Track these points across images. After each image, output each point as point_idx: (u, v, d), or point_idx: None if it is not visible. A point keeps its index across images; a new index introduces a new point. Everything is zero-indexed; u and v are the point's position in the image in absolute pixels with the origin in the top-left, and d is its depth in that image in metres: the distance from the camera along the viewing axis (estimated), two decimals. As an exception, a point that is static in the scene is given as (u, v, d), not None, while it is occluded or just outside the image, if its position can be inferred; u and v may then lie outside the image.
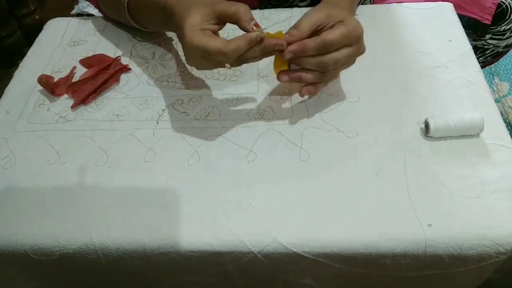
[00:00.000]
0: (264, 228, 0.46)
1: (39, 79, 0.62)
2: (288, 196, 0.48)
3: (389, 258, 0.45)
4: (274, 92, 0.59)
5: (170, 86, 0.62)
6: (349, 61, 0.53)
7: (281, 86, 0.60)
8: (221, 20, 0.50)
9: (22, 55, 0.71)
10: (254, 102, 0.59)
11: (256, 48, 0.48)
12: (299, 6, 0.75)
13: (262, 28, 0.49)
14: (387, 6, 0.71)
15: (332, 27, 0.50)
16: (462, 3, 0.75)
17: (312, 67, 0.51)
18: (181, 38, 0.49)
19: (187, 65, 0.65)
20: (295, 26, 0.51)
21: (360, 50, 0.52)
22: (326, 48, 0.49)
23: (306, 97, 0.57)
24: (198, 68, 0.55)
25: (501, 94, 1.15)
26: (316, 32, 0.51)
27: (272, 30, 0.68)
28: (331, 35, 0.48)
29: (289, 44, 0.49)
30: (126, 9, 0.63)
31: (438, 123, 0.50)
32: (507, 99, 1.13)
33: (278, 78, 0.53)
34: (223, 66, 0.52)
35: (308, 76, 0.52)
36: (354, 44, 0.50)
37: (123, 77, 0.64)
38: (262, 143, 0.54)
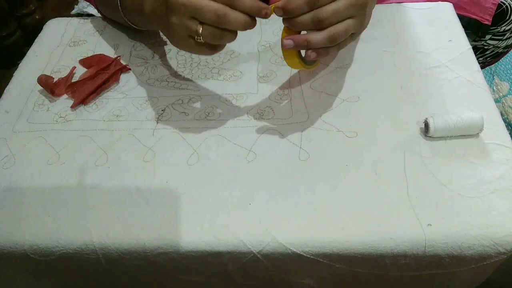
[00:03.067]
0: (264, 228, 0.46)
1: (39, 79, 0.62)
2: (287, 196, 0.48)
3: (388, 258, 0.45)
4: (273, 92, 0.59)
5: (170, 86, 0.62)
6: (354, 17, 0.47)
7: (281, 86, 0.60)
8: None
9: (22, 55, 0.71)
10: (253, 102, 0.59)
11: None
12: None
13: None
14: (387, 6, 0.71)
15: None
16: (462, 3, 0.75)
17: (310, 26, 0.45)
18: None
19: (186, 65, 0.65)
20: None
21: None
22: (316, 2, 0.44)
23: (306, 96, 0.57)
24: (180, 44, 0.49)
25: (501, 94, 1.15)
26: None
27: (272, 30, 0.69)
28: None
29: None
30: (119, 8, 0.63)
31: (437, 123, 0.50)
32: (507, 99, 1.13)
33: (283, 45, 0.48)
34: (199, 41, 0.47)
35: (315, 38, 0.46)
36: None
37: (123, 77, 0.64)
38: (262, 143, 0.54)
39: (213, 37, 0.47)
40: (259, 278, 0.50)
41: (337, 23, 0.46)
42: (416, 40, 0.65)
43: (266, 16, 0.46)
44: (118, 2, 0.62)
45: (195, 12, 0.45)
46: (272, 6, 0.46)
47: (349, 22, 0.47)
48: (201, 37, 0.47)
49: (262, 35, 0.68)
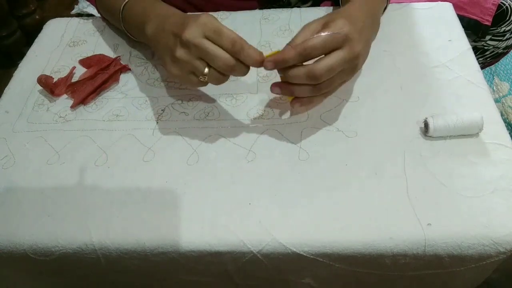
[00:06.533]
0: (264, 228, 0.46)
1: (39, 79, 0.62)
2: (287, 195, 0.48)
3: (388, 258, 0.45)
4: (273, 92, 0.59)
5: (170, 86, 0.62)
6: (347, 68, 0.48)
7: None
8: None
9: (22, 55, 0.71)
10: (253, 102, 0.59)
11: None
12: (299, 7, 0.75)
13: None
14: (386, 6, 0.71)
15: None
16: (462, 4, 0.75)
17: (303, 80, 0.47)
18: (189, 18, 0.48)
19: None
20: (289, 43, 0.48)
21: (353, 51, 0.47)
22: (308, 54, 0.46)
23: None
24: (178, 76, 0.50)
25: (501, 94, 1.16)
26: None
27: (272, 30, 0.69)
28: (310, 40, 0.45)
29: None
30: (120, 19, 0.63)
31: (437, 122, 0.50)
32: (507, 99, 1.14)
33: (271, 90, 0.50)
34: (202, 73, 0.49)
35: (300, 89, 0.48)
36: (344, 46, 0.46)
37: (123, 77, 0.64)
38: (262, 142, 0.54)
39: (217, 79, 0.49)
40: (259, 278, 0.50)
41: (330, 77, 0.47)
42: (416, 40, 0.65)
43: (266, 68, 0.48)
44: (120, 14, 0.62)
45: (205, 55, 0.47)
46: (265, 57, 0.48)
47: (338, 78, 0.49)
48: (206, 78, 0.49)
49: (262, 35, 0.68)
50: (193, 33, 0.47)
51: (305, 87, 0.48)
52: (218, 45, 0.46)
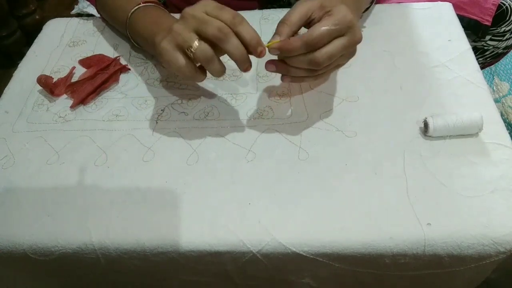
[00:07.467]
0: (263, 228, 0.46)
1: (38, 79, 0.62)
2: (287, 195, 0.48)
3: (388, 258, 0.45)
4: (273, 92, 0.59)
5: (169, 86, 0.62)
6: (346, 53, 0.48)
7: (280, 86, 0.60)
8: None
9: (22, 55, 0.71)
10: (253, 102, 0.59)
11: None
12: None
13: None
14: (387, 6, 0.71)
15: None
16: (462, 4, 0.75)
17: (304, 66, 0.47)
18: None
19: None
20: (284, 20, 0.47)
21: (355, 39, 0.47)
22: (314, 45, 0.45)
23: (305, 96, 0.57)
24: (167, 53, 0.48)
25: (501, 94, 1.15)
26: (307, 23, 0.48)
27: (271, 30, 0.69)
28: (316, 30, 0.45)
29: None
30: (126, 26, 0.63)
31: (437, 122, 0.50)
32: (507, 99, 1.13)
33: (266, 67, 0.50)
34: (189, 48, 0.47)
35: (297, 71, 0.48)
36: (346, 34, 0.46)
37: (122, 77, 0.64)
38: (261, 142, 0.54)
39: (205, 55, 0.46)
40: (258, 278, 0.50)
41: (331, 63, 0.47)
42: (416, 40, 0.65)
43: (260, 55, 0.47)
44: (127, 22, 0.62)
45: (200, 24, 0.46)
46: (268, 44, 0.47)
47: (338, 60, 0.48)
48: (192, 51, 0.46)
49: (262, 35, 0.68)
50: (193, 8, 0.47)
51: (302, 70, 0.48)
52: (219, 19, 0.46)
